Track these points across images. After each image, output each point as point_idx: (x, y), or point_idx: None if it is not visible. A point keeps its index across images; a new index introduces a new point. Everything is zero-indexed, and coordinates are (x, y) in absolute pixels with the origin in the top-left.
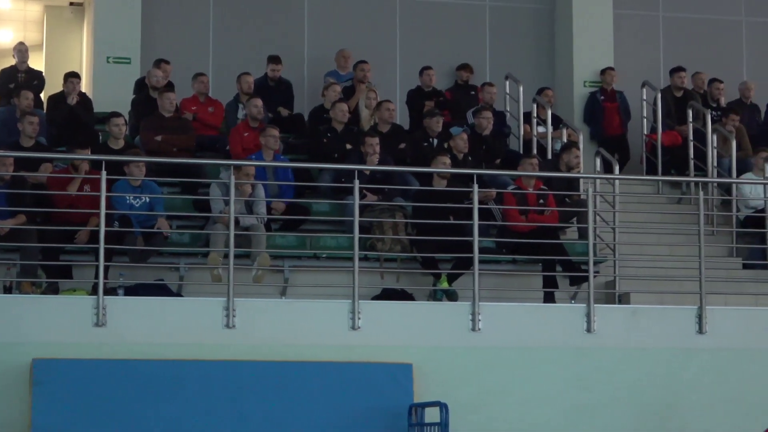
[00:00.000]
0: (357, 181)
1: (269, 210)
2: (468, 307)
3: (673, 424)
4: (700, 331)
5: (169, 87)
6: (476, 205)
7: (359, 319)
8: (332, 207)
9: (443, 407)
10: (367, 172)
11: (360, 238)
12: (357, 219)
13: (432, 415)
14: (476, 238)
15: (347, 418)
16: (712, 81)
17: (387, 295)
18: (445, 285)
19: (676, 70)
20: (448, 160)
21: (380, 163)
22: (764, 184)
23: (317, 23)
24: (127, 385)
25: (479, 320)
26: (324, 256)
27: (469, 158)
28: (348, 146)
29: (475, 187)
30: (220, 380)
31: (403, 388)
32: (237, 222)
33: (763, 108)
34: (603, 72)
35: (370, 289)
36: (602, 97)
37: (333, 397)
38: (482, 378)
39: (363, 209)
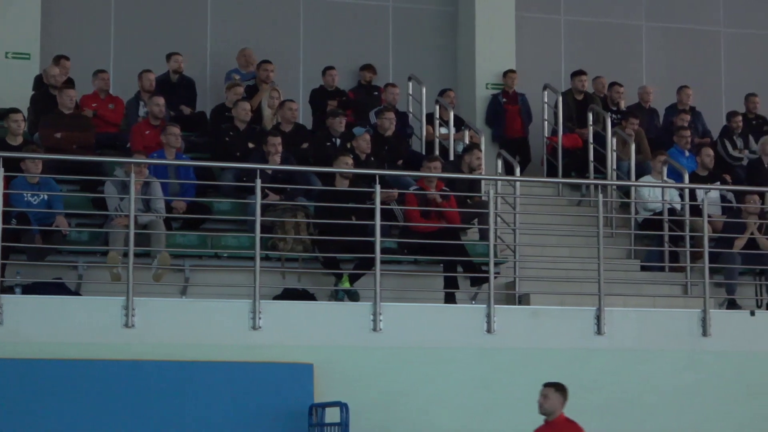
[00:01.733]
0: (259, 181)
1: (170, 209)
2: (369, 308)
3: None
4: (599, 331)
5: (69, 83)
6: (378, 206)
7: (260, 318)
8: (234, 206)
9: (344, 407)
10: (270, 172)
11: (261, 238)
12: (259, 218)
13: (332, 415)
14: (378, 239)
15: (247, 418)
16: (612, 85)
17: (288, 294)
18: (346, 285)
19: (577, 74)
20: (350, 161)
21: (282, 162)
22: (662, 187)
23: (220, 21)
24: (24, 385)
25: (380, 320)
26: (225, 255)
27: (372, 159)
28: (250, 145)
29: (377, 187)
30: (119, 380)
31: (303, 388)
32: (136, 220)
33: (661, 112)
34: (505, 74)
35: (271, 288)
36: (504, 100)
37: (233, 398)
38: (383, 378)
39: (265, 209)
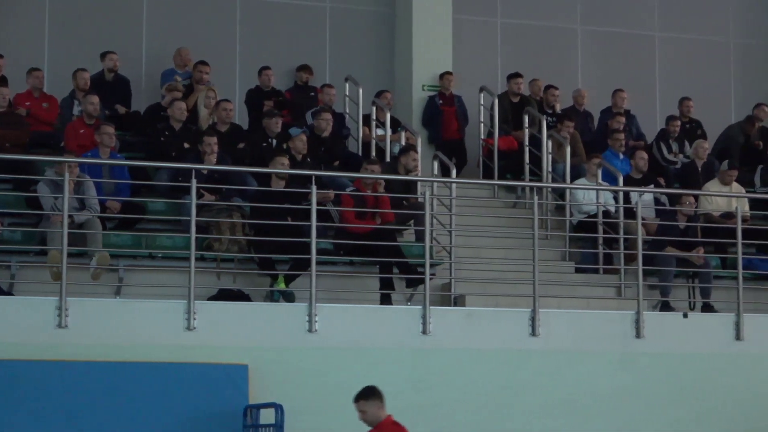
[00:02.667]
0: (194, 181)
1: (105, 209)
2: (305, 308)
3: (508, 425)
4: (533, 333)
5: (2, 82)
6: (314, 207)
7: (195, 319)
8: (169, 206)
9: (278, 408)
10: (205, 172)
11: (197, 238)
12: (194, 218)
13: (267, 416)
14: (314, 240)
15: (182, 419)
16: (548, 87)
17: (223, 295)
18: (282, 286)
19: (513, 76)
20: (286, 161)
21: (218, 162)
22: (597, 189)
23: (156, 20)
24: None
25: (316, 321)
26: (160, 255)
27: (308, 159)
28: (186, 145)
29: (313, 188)
30: (52, 381)
31: (238, 389)
32: (72, 219)
33: (596, 115)
34: (441, 76)
35: (206, 289)
36: (440, 101)
37: (167, 399)
38: (318, 379)
39: (200, 209)
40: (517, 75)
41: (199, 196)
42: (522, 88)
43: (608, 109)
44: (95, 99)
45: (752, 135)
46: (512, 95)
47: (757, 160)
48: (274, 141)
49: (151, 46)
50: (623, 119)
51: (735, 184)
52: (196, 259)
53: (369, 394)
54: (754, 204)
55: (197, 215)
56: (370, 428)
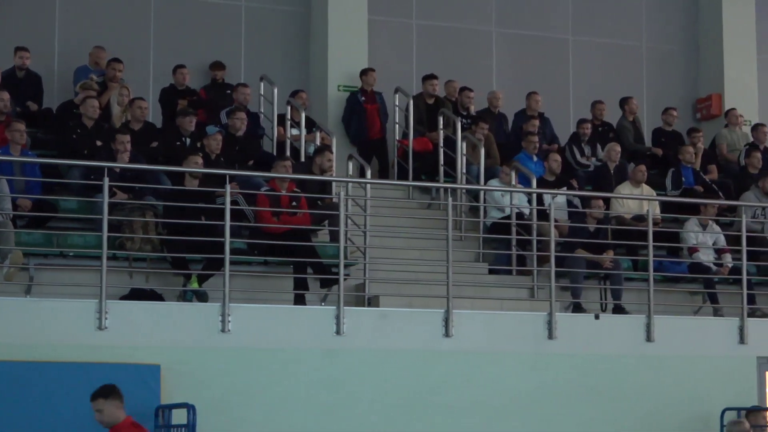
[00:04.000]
0: (107, 179)
1: (15, 207)
2: (218, 308)
3: (420, 426)
4: (447, 333)
5: None
6: (228, 206)
7: (106, 319)
8: (81, 204)
9: (191, 409)
10: (118, 170)
11: (109, 237)
12: (106, 217)
13: (179, 416)
14: (227, 239)
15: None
16: (463, 89)
17: (136, 295)
18: (195, 285)
19: (428, 78)
20: (200, 160)
21: (131, 161)
22: (510, 191)
23: (69, 16)
24: None
25: (229, 321)
26: (71, 254)
27: (222, 159)
28: (98, 143)
29: (228, 187)
30: None
31: (150, 390)
32: None
33: (510, 117)
34: (365, 72)
35: (118, 288)
36: (363, 98)
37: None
38: (231, 379)
39: (112, 207)
40: (432, 76)
41: (112, 194)
42: (437, 90)
43: (522, 111)
44: (5, 95)
45: (636, 120)
46: (427, 96)
47: (666, 163)
48: (188, 140)
49: (63, 43)
50: (537, 122)
51: (646, 187)
52: (108, 258)
53: (108, 393)
54: (665, 207)
55: (110, 214)
56: (107, 429)
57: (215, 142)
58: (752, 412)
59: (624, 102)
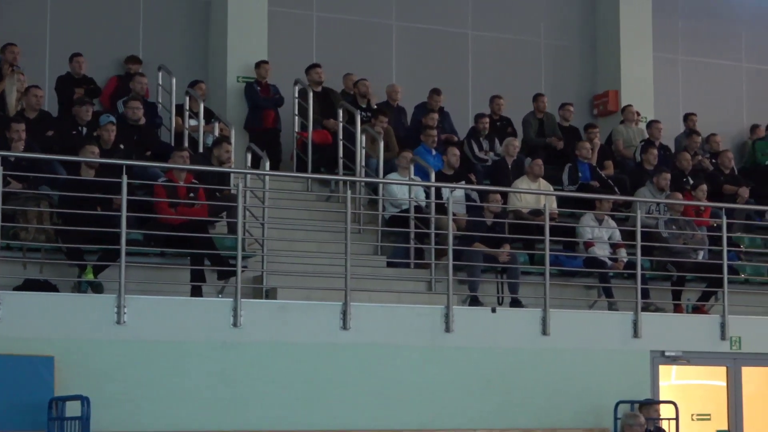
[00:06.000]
0: (0, 168)
1: None
2: (113, 300)
3: (317, 418)
4: (345, 326)
5: None
6: (124, 197)
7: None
8: None
9: (84, 401)
10: (12, 159)
11: (3, 227)
12: (0, 207)
13: (73, 408)
14: (123, 230)
15: None
16: (362, 82)
17: (29, 285)
18: (90, 277)
19: (312, 66)
20: (96, 150)
21: (26, 150)
22: (409, 185)
23: None
24: None
25: (125, 313)
26: None
27: (121, 147)
28: None
29: (124, 178)
30: None
31: (43, 382)
32: None
33: (409, 110)
34: (258, 65)
35: (11, 279)
36: (258, 88)
37: None
38: (127, 372)
39: (6, 197)
40: (316, 65)
41: (6, 183)
42: (323, 77)
43: (422, 104)
44: None
45: (546, 123)
46: (313, 85)
47: (563, 158)
48: (84, 129)
49: None
50: (436, 116)
51: (543, 182)
52: (2, 248)
53: None
54: (562, 201)
55: (3, 203)
56: None
57: (107, 133)
58: (645, 405)
59: (534, 98)
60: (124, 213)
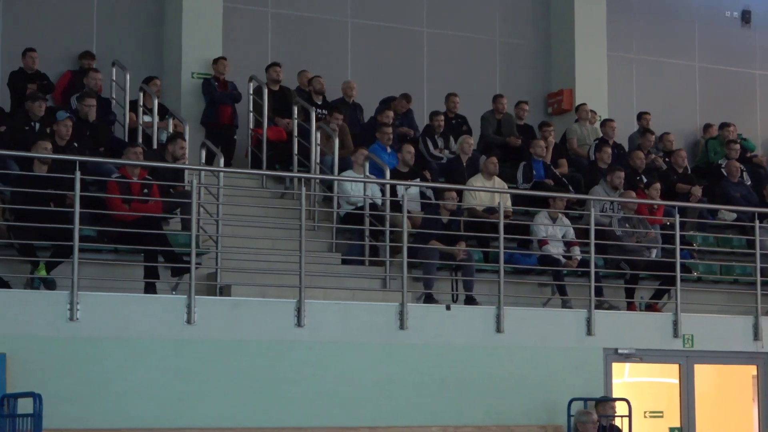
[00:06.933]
0: None
1: None
2: (66, 296)
3: (272, 416)
4: (299, 324)
5: None
6: (78, 193)
7: None
8: None
9: (37, 398)
10: None
11: None
12: None
13: (25, 405)
14: (77, 226)
15: None
16: (318, 78)
17: None
18: (43, 273)
19: (272, 65)
20: (49, 146)
21: None
22: (364, 182)
23: None
24: None
25: (78, 310)
26: None
27: (75, 144)
28: None
29: (77, 174)
30: None
31: None
32: None
33: (365, 107)
34: (216, 61)
35: None
36: (216, 84)
37: None
38: (80, 369)
39: None
40: (275, 64)
41: None
42: (281, 76)
43: (383, 101)
44: None
45: (503, 122)
46: (271, 83)
47: (518, 157)
48: (37, 125)
49: None
50: (391, 113)
51: (498, 180)
52: None
53: None
54: (516, 199)
55: None
56: None
57: (65, 128)
58: (599, 402)
59: (494, 99)
60: (77, 209)
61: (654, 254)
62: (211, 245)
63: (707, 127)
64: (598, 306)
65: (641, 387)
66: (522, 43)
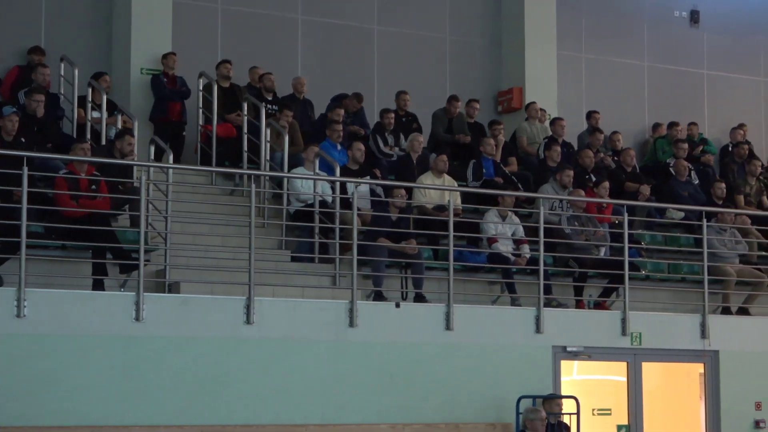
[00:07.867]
0: None
1: None
2: (13, 293)
3: (220, 413)
4: (248, 321)
5: None
6: (25, 189)
7: None
8: None
9: None
10: None
11: None
12: None
13: None
14: (24, 222)
15: None
16: (267, 75)
17: None
18: None
19: (222, 62)
20: None
21: None
22: (314, 179)
23: None
24: None
25: (25, 307)
26: None
27: (22, 140)
28: None
29: (25, 170)
30: None
31: None
32: None
33: (316, 104)
34: (165, 56)
35: None
36: (165, 79)
37: None
38: (27, 366)
39: None
40: (226, 61)
41: None
42: (231, 73)
43: (335, 98)
44: None
45: (455, 121)
46: (222, 80)
47: (468, 154)
48: None
49: None
50: (342, 111)
51: (448, 178)
52: None
53: None
54: (466, 197)
55: None
56: None
57: (11, 124)
58: (547, 399)
59: (448, 100)
60: (24, 205)
61: (602, 252)
62: (160, 242)
63: (656, 126)
64: (547, 304)
65: (589, 384)
66: (472, 41)
